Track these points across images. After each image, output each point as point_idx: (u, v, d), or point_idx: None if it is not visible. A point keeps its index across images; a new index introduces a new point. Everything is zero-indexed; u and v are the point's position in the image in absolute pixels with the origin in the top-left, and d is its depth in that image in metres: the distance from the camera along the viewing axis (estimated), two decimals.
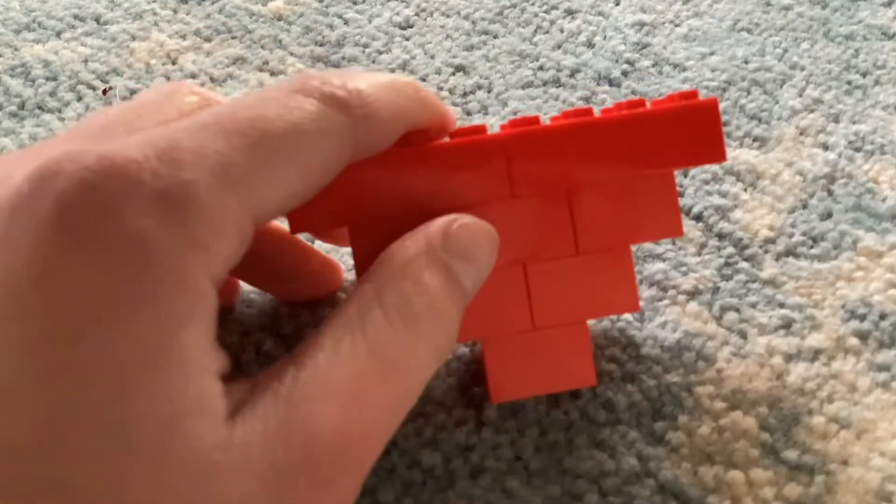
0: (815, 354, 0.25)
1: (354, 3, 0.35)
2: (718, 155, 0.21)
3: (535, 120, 0.21)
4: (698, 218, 0.28)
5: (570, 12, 0.35)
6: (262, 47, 0.34)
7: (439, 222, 0.20)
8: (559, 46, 0.34)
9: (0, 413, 0.14)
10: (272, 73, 0.33)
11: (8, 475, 0.14)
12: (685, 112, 0.21)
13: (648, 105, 0.22)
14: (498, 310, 0.22)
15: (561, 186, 0.21)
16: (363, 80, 0.19)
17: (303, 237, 0.26)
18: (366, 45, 0.34)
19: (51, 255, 0.15)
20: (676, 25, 0.35)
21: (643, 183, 0.22)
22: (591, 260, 0.22)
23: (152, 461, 0.14)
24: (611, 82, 0.33)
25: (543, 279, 0.22)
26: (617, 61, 0.33)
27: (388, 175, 0.20)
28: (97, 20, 0.34)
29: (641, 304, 0.25)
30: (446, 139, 0.21)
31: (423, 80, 0.32)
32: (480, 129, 0.21)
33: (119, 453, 0.14)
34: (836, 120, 0.31)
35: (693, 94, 0.22)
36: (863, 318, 0.25)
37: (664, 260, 0.27)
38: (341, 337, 0.17)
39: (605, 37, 0.34)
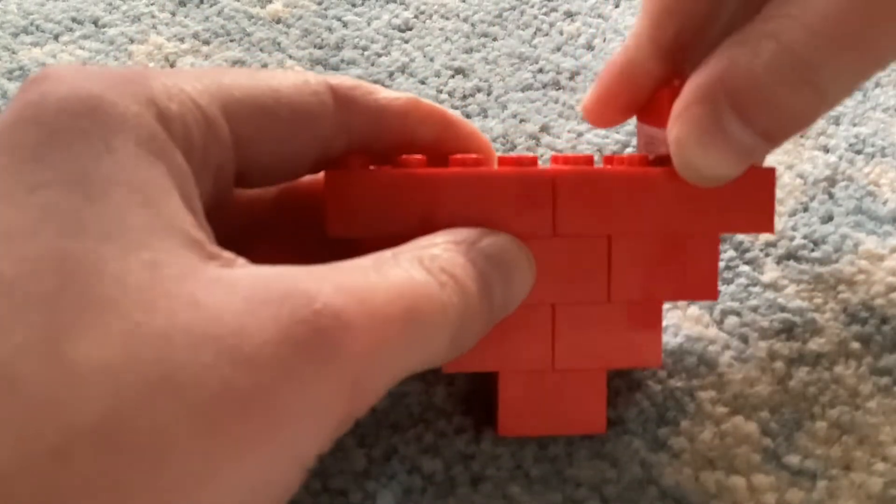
0: (817, 359, 0.25)
1: (353, 6, 0.35)
2: (766, 225, 0.21)
3: (589, 160, 0.21)
4: None
5: (570, 14, 0.35)
6: (261, 50, 0.33)
7: (474, 229, 0.19)
8: (559, 49, 0.34)
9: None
10: None
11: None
12: (740, 177, 0.20)
13: None
14: (520, 344, 0.21)
15: (603, 232, 0.21)
16: None
17: None
18: (365, 48, 0.34)
19: None
20: None
21: (686, 241, 0.21)
22: (620, 310, 0.21)
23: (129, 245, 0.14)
24: None
25: (570, 322, 0.21)
26: None
27: (431, 192, 0.20)
28: (95, 23, 0.34)
29: None
30: (495, 165, 0.21)
31: (423, 82, 0.32)
32: (531, 161, 0.21)
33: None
34: (837, 122, 0.31)
35: None
36: (864, 321, 0.25)
37: None
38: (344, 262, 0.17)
39: (604, 39, 0.34)
